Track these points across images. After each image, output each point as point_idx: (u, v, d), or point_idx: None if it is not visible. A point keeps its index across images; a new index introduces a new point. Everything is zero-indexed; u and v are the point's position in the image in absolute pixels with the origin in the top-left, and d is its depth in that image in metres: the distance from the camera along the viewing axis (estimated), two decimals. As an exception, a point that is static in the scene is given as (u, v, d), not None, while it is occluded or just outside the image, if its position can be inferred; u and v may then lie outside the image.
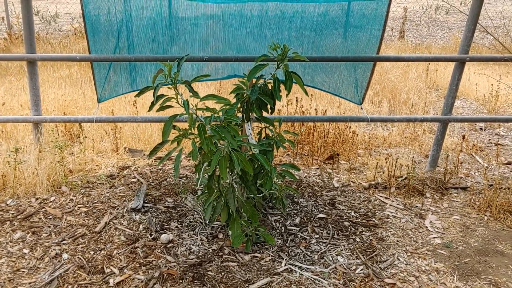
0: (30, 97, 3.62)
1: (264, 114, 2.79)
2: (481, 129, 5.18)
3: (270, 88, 2.70)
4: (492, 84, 5.98)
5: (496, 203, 3.26)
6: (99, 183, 3.52)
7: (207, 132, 2.42)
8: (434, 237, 2.96)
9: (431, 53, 8.70)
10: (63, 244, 2.72)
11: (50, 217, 3.02)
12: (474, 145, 4.56)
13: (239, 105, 2.71)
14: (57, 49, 8.05)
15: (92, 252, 2.65)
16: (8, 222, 2.93)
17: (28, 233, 2.82)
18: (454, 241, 2.92)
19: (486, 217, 3.22)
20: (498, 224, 3.13)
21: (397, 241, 2.90)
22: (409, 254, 2.76)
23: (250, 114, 2.76)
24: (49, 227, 2.90)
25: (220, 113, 2.55)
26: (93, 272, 2.48)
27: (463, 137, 4.30)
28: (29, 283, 2.38)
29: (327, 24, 3.65)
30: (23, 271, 2.47)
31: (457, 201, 3.46)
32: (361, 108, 3.95)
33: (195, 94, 2.41)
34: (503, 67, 7.69)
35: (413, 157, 4.15)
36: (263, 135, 2.96)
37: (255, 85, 2.67)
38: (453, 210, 3.33)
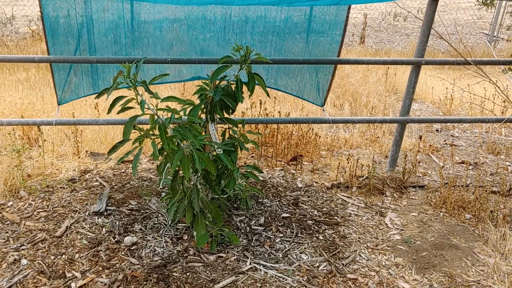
0: (-14, 99, 3.50)
1: (226, 115, 2.81)
2: (437, 130, 5.40)
3: (233, 89, 2.73)
4: (447, 88, 6.25)
5: (451, 200, 3.41)
6: (60, 187, 3.43)
7: (168, 133, 2.42)
8: (393, 234, 3.06)
9: (390, 57, 8.98)
10: (22, 249, 2.64)
11: (8, 222, 2.93)
12: (430, 145, 4.75)
13: (202, 106, 2.72)
14: (14, 51, 7.80)
15: (52, 257, 2.59)
16: (-38, 229, 2.82)
17: (-16, 239, 2.73)
18: (412, 236, 3.03)
19: (441, 213, 3.36)
20: (453, 219, 3.28)
21: (359, 238, 2.98)
22: (370, 250, 2.85)
23: (214, 115, 2.78)
24: (6, 232, 2.81)
25: (182, 113, 2.56)
26: (54, 277, 2.42)
27: (420, 137, 4.48)
28: (-14, 290, 2.30)
29: (290, 29, 3.72)
30: (-21, 278, 2.39)
31: (415, 199, 3.59)
32: (323, 110, 4.04)
33: (152, 94, 2.40)
34: (457, 72, 8.04)
35: (373, 157, 4.28)
36: (227, 136, 2.98)
37: (219, 86, 2.69)
38: (412, 207, 3.45)
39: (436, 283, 2.55)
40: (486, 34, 11.54)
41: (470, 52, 4.32)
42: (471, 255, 2.84)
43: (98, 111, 4.47)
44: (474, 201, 3.39)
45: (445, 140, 5.05)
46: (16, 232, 2.82)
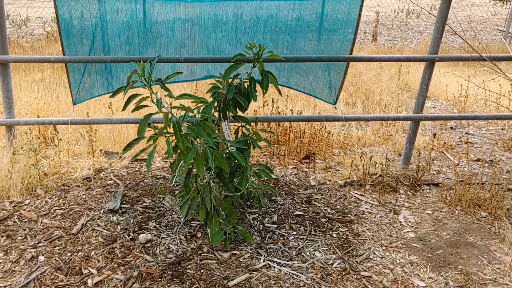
0: (3, 99, 3.56)
1: (239, 113, 2.82)
2: (451, 128, 5.35)
3: (246, 87, 2.74)
4: (461, 85, 6.18)
5: (466, 197, 3.37)
6: (75, 186, 3.48)
7: (183, 130, 2.44)
8: (408, 231, 3.04)
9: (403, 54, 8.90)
10: (39, 246, 2.69)
11: (25, 220, 2.98)
12: (445, 143, 4.71)
13: (215, 104, 2.73)
14: (29, 52, 7.91)
15: (69, 254, 2.63)
16: (-19, 226, 2.87)
17: (2, 236, 2.77)
18: (427, 234, 3.01)
19: (457, 211, 3.33)
20: (468, 217, 3.24)
21: (373, 236, 2.97)
22: (384, 248, 2.84)
23: (227, 113, 2.79)
24: (24, 230, 2.86)
25: (196, 111, 2.58)
26: (71, 273, 2.46)
27: (434, 135, 4.44)
28: (4, 286, 2.34)
29: (302, 27, 3.72)
30: (-3, 275, 2.43)
31: (429, 197, 3.56)
32: (335, 108, 4.03)
33: (167, 90, 2.42)
34: (471, 69, 7.94)
35: (386, 155, 4.26)
36: (240, 133, 2.99)
37: (231, 84, 2.70)
38: (426, 205, 3.43)
39: (451, 281, 2.53)
40: (501, 30, 11.37)
41: (485, 49, 4.27)
42: (487, 253, 2.81)
43: (111, 110, 4.52)
44: (490, 198, 3.35)
45: (459, 138, 4.99)
46: (33, 230, 2.86)
